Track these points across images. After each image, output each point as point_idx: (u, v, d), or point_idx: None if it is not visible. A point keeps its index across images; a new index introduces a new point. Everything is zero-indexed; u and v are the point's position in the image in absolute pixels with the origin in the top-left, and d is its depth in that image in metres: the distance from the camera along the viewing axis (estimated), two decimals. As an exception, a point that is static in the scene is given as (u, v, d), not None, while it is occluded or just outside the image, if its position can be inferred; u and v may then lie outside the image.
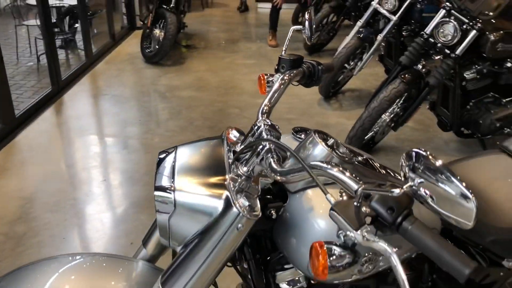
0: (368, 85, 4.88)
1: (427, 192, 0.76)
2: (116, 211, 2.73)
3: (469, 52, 2.97)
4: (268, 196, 1.16)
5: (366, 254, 1.07)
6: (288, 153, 0.99)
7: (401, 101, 3.24)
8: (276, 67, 1.33)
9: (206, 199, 1.02)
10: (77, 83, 4.75)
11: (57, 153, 3.37)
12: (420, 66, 3.12)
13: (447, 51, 2.97)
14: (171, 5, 5.56)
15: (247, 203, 0.99)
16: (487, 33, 2.89)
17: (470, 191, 0.72)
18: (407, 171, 0.78)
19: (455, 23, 2.89)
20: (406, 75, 3.05)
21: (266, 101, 1.21)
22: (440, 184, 0.74)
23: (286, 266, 1.27)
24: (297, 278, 1.26)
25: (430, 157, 0.74)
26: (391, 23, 3.96)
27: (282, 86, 1.26)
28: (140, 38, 5.74)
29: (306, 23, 1.41)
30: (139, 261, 1.36)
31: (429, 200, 0.75)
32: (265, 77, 1.38)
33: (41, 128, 3.73)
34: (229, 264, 1.20)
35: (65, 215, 2.67)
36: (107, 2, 6.18)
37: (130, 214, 2.70)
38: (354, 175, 0.85)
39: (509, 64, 3.04)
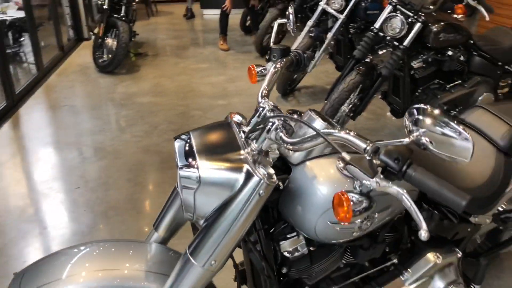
0: (321, 81, 5.13)
1: (428, 139, 0.93)
2: (95, 214, 2.77)
3: (415, 43, 3.24)
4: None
5: (366, 212, 1.23)
6: (295, 125, 1.14)
7: (357, 92, 3.47)
8: (267, 57, 1.47)
9: (228, 172, 1.15)
10: (32, 97, 4.69)
11: (23, 166, 3.34)
12: (372, 58, 3.36)
13: (396, 43, 3.23)
14: (122, 14, 5.60)
15: (265, 172, 1.13)
16: (429, 25, 3.17)
17: (466, 133, 0.89)
18: (410, 125, 0.95)
19: (402, 17, 3.15)
20: (361, 67, 3.28)
21: (264, 86, 1.35)
22: (440, 129, 0.91)
23: (288, 236, 1.41)
24: (297, 246, 1.41)
25: (429, 108, 0.92)
26: (339, 21, 4.21)
27: (275, 75, 1.41)
28: (90, 48, 5.72)
29: (291, 16, 1.56)
30: (152, 243, 1.46)
31: (430, 146, 0.93)
32: (255, 67, 1.52)
33: (1, 143, 3.68)
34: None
35: (43, 225, 2.68)
36: (53, 14, 6.10)
37: (111, 217, 2.75)
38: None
39: (450, 52, 3.34)
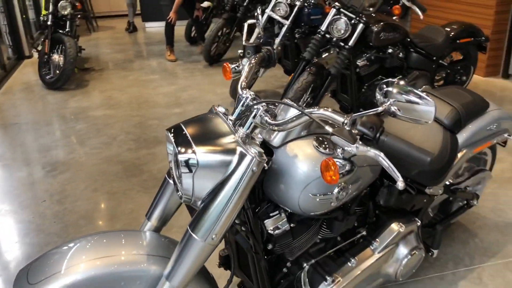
0: (271, 85, 5.34)
1: (396, 108, 1.11)
2: (66, 224, 2.78)
3: (359, 43, 3.51)
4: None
5: (340, 184, 1.41)
6: (279, 107, 1.30)
7: (309, 92, 3.69)
8: (242, 54, 1.61)
9: (222, 154, 1.28)
10: (-21, 116, 4.56)
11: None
12: (317, 61, 3.60)
13: (342, 44, 3.48)
14: (67, 29, 5.56)
15: (256, 151, 1.27)
16: (371, 25, 3.45)
17: (428, 98, 1.08)
18: (381, 97, 1.13)
19: (345, 19, 3.41)
20: (312, 68, 3.50)
21: (242, 79, 1.50)
22: (405, 97, 1.10)
23: (271, 214, 1.56)
24: (280, 223, 1.56)
25: (396, 81, 1.10)
26: (285, 27, 4.42)
27: (251, 69, 1.56)
28: (32, 66, 5.64)
29: (259, 17, 1.72)
30: (146, 231, 1.56)
31: (398, 112, 1.11)
32: (229, 65, 1.66)
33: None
34: None
35: (13, 239, 2.67)
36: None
37: (83, 225, 2.77)
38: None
39: (390, 50, 3.64)
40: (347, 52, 3.47)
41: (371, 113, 1.12)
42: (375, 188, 1.86)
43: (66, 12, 5.64)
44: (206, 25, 7.57)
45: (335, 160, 1.21)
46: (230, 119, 1.40)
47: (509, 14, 5.13)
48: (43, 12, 6.66)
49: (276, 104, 1.41)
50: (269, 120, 1.29)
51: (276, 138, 1.45)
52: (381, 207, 1.92)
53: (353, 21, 3.42)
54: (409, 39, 3.77)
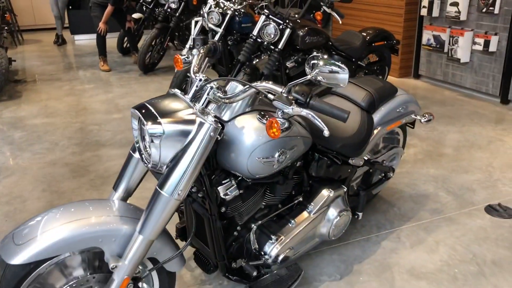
0: (206, 90, 5.60)
1: (320, 77, 1.44)
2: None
3: (287, 46, 3.89)
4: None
5: (280, 150, 1.72)
6: (229, 85, 1.59)
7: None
8: (191, 46, 1.89)
9: (184, 124, 1.55)
10: None
11: None
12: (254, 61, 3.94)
13: (272, 47, 3.84)
14: (-3, 40, 5.52)
15: (212, 119, 1.55)
16: (297, 30, 3.84)
17: (343, 66, 1.42)
18: (309, 70, 1.45)
19: (274, 24, 3.78)
20: (247, 69, 3.83)
21: (194, 64, 1.77)
22: (328, 68, 1.43)
23: (223, 182, 1.84)
24: (231, 189, 1.84)
25: (320, 55, 1.43)
26: (218, 34, 4.73)
27: (200, 57, 1.84)
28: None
29: (205, 15, 2.01)
30: (114, 200, 1.77)
31: (322, 80, 1.44)
32: (180, 56, 1.93)
33: None
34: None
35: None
36: None
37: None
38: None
39: (315, 53, 4.03)
40: (277, 55, 3.84)
41: (302, 81, 1.44)
42: (308, 161, 2.19)
43: (-5, 23, 5.59)
44: (138, 36, 7.73)
45: (277, 119, 1.52)
46: (186, 97, 1.67)
47: (416, 22, 5.78)
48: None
49: (226, 82, 1.70)
50: (221, 95, 1.57)
51: (226, 114, 1.73)
52: (314, 177, 2.26)
53: (281, 27, 3.80)
54: (331, 43, 4.21)
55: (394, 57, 5.41)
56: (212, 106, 1.71)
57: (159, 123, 1.53)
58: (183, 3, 6.16)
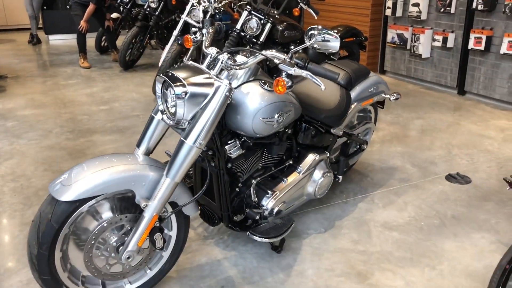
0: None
1: (316, 44, 1.81)
2: (26, 195, 3.10)
3: (268, 40, 4.26)
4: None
5: (279, 112, 2.07)
6: (238, 55, 1.94)
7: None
8: (201, 26, 2.22)
9: (204, 86, 1.88)
10: None
11: None
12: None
13: (254, 40, 4.20)
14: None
15: (227, 82, 1.89)
16: (276, 25, 4.22)
17: (336, 33, 1.79)
18: (307, 39, 1.81)
19: (256, 19, 4.14)
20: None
21: (205, 41, 2.11)
22: (321, 36, 1.80)
23: (229, 142, 2.17)
24: (236, 148, 2.17)
25: (316, 26, 1.79)
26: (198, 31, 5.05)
27: (209, 36, 2.17)
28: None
29: (197, 11, 2.36)
30: (139, 154, 2.08)
31: (317, 46, 1.81)
32: (190, 36, 2.26)
33: None
34: None
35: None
36: None
37: (43, 195, 3.12)
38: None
39: (292, 46, 4.43)
40: (259, 47, 4.20)
41: (301, 48, 1.81)
42: (297, 131, 2.56)
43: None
44: (116, 35, 7.96)
45: (283, 78, 1.88)
46: (202, 66, 2.00)
47: (382, 21, 6.28)
48: None
49: (235, 52, 2.04)
50: (232, 63, 1.92)
51: (233, 82, 2.07)
52: (301, 144, 2.62)
53: (262, 21, 4.16)
54: (306, 37, 4.61)
55: (362, 54, 5.88)
56: (223, 75, 2.05)
57: (184, 85, 1.85)
58: (162, 2, 6.45)
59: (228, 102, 1.99)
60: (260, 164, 2.42)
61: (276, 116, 2.10)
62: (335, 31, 4.89)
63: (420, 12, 5.51)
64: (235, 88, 2.07)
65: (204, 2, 4.93)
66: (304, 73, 1.83)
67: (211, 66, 2.00)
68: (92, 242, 1.91)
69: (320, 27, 1.85)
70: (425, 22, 5.57)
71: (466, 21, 5.12)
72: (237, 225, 2.38)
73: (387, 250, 2.52)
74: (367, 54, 6.32)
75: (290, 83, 1.87)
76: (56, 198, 1.78)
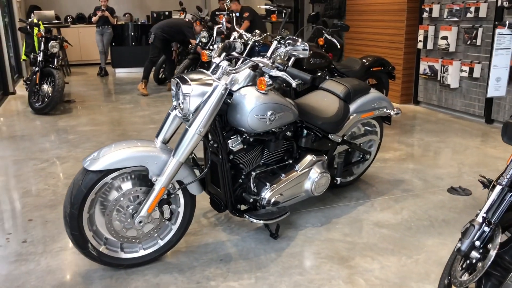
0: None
1: (294, 52, 2.25)
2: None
3: (295, 66, 4.72)
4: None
5: (271, 111, 2.51)
6: (241, 59, 2.41)
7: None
8: (213, 42, 2.73)
9: (206, 85, 2.36)
10: (-17, 131, 5.39)
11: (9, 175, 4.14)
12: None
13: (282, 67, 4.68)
14: (55, 64, 6.59)
15: (224, 82, 2.36)
16: (303, 53, 4.68)
17: (305, 43, 2.22)
18: (284, 46, 2.26)
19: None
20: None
21: (214, 54, 2.60)
22: (298, 45, 2.24)
23: (232, 137, 2.61)
24: (237, 142, 2.61)
25: (294, 37, 2.24)
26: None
27: (219, 50, 2.67)
28: (18, 100, 6.57)
29: (238, 43, 2.86)
30: (157, 141, 2.57)
31: (294, 53, 2.24)
32: (205, 52, 2.78)
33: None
34: None
35: (51, 195, 3.55)
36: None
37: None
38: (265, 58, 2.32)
39: (319, 73, 4.87)
40: (286, 73, 4.66)
41: (280, 54, 2.26)
42: (298, 135, 2.96)
43: (55, 51, 6.68)
44: (175, 66, 8.79)
45: (265, 78, 2.33)
46: (208, 72, 2.49)
47: (415, 55, 6.58)
48: (23, 57, 7.77)
49: (233, 60, 2.52)
50: (230, 68, 2.40)
51: (234, 86, 2.54)
52: (302, 147, 3.01)
53: (290, 49, 4.64)
54: (333, 66, 5.03)
55: (395, 85, 6.20)
56: (227, 79, 2.51)
57: (190, 84, 2.34)
58: (211, 38, 7.15)
59: (228, 102, 2.45)
60: (262, 161, 2.83)
61: (268, 114, 2.53)
62: (364, 60, 5.29)
63: (448, 44, 5.78)
64: (235, 91, 2.53)
65: (247, 37, 5.52)
66: (280, 74, 2.26)
67: (215, 71, 2.49)
68: (113, 207, 2.39)
69: (297, 39, 2.30)
70: (454, 54, 5.82)
71: (491, 52, 5.32)
72: (240, 212, 2.78)
73: (372, 242, 2.82)
74: (401, 85, 6.61)
75: (270, 82, 2.30)
76: (87, 168, 2.29)
